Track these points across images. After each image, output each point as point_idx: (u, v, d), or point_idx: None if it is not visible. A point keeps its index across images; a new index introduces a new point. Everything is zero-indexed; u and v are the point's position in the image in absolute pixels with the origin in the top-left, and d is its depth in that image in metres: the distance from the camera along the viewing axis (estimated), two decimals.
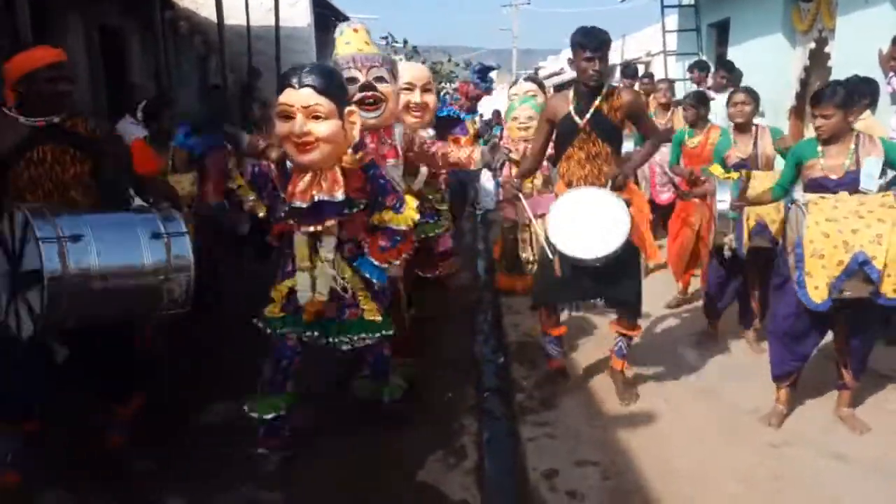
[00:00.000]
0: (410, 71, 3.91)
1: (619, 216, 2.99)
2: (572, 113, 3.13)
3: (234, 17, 9.47)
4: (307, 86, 2.51)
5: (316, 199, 2.61)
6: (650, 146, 3.36)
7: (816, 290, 2.84)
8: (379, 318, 2.86)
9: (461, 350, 4.36)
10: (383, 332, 2.88)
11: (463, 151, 3.58)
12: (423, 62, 18.19)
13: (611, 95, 3.12)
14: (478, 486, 2.87)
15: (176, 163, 4.01)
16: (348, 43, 3.24)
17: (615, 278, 3.18)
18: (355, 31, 3.29)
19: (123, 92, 6.62)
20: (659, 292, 4.88)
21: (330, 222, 2.69)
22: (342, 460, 2.96)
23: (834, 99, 2.91)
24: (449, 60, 13.33)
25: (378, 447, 3.06)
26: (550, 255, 3.14)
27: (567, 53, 7.17)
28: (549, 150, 3.46)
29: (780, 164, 4.01)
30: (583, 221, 2.98)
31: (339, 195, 2.61)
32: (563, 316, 3.65)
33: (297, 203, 2.62)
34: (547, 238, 3.08)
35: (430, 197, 4.07)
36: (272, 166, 2.74)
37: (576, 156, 3.17)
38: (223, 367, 3.78)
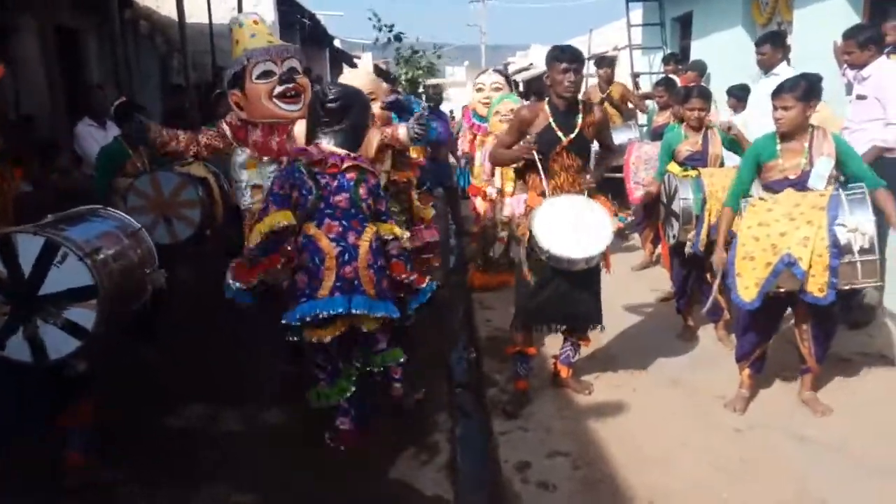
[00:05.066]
0: (353, 82, 3.65)
1: (601, 217, 3.03)
2: (554, 128, 3.09)
3: (195, 15, 9.27)
4: None
5: None
6: (611, 160, 3.50)
7: (746, 290, 2.96)
8: None
9: (433, 346, 4.35)
10: None
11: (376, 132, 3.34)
12: (398, 50, 17.21)
13: (587, 112, 3.16)
14: (450, 481, 2.87)
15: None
16: (254, 36, 3.14)
17: (585, 297, 3.18)
18: (256, 22, 3.19)
19: (81, 93, 6.44)
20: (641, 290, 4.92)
21: None
22: (315, 460, 2.93)
23: (795, 91, 2.95)
24: (435, 52, 12.44)
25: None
26: (524, 261, 3.10)
27: (536, 49, 7.20)
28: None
29: (728, 160, 4.07)
30: (569, 224, 2.98)
31: None
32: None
33: None
34: (533, 241, 3.02)
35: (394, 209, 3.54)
36: None
37: (550, 169, 3.15)
38: (192, 370, 3.72)
